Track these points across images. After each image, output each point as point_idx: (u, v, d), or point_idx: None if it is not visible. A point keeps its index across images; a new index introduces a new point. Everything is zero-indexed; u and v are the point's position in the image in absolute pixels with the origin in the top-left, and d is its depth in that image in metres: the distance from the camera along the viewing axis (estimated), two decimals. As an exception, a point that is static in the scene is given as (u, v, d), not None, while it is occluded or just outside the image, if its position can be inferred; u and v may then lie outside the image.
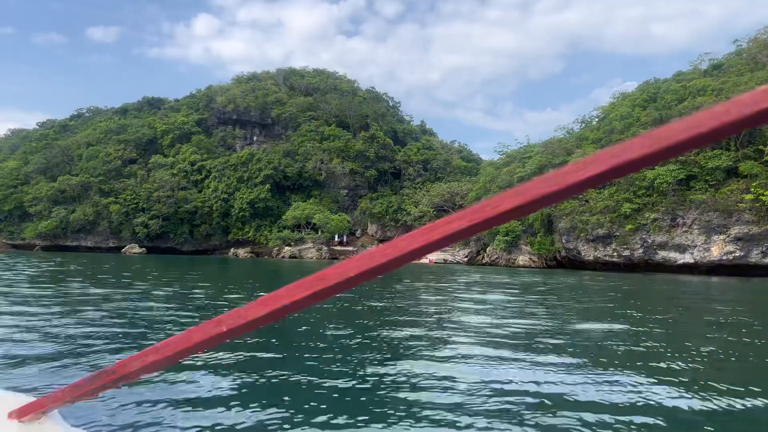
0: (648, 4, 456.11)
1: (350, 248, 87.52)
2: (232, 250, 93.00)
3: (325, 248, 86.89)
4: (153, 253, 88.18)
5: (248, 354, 7.24)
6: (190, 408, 4.87)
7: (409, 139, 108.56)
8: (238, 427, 4.46)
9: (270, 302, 0.75)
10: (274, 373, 6.28)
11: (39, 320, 9.68)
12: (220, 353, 6.95)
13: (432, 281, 28.61)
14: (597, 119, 73.33)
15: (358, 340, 9.06)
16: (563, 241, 61.63)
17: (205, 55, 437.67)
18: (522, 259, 63.83)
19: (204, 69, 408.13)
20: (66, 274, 26.67)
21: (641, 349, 8.78)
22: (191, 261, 58.20)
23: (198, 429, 4.36)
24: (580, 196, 59.61)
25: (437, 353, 7.81)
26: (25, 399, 1.26)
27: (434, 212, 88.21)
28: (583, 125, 75.49)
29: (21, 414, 1.23)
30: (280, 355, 7.57)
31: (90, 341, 7.84)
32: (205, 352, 6.72)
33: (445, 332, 10.09)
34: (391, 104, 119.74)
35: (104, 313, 11.09)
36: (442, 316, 13.02)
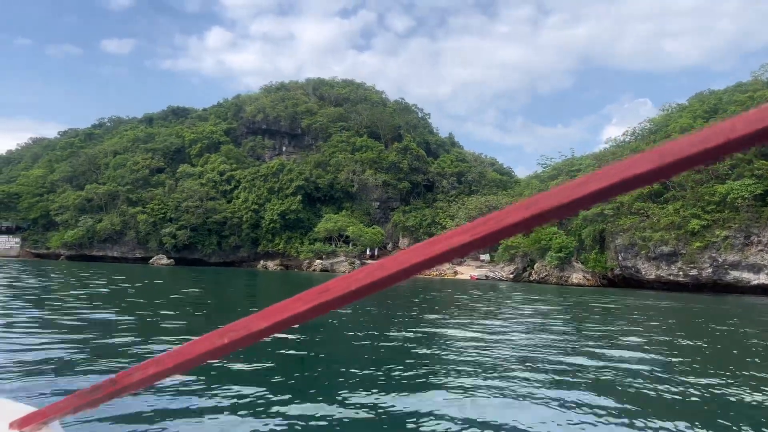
0: (659, 20, 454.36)
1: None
2: (261, 262, 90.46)
3: (357, 262, 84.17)
4: (180, 264, 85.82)
5: (271, 362, 7.64)
6: (191, 419, 4.94)
7: (441, 150, 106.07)
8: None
9: (273, 315, 0.75)
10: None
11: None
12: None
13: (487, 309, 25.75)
14: (648, 131, 70.44)
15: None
16: (619, 258, 58.56)
17: (217, 68, 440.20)
18: (576, 277, 60.71)
19: (216, 81, 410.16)
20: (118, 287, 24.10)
21: None
22: (222, 274, 55.54)
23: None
24: (641, 212, 56.72)
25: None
26: (26, 409, 1.26)
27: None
28: (634, 137, 72.62)
29: (22, 424, 1.23)
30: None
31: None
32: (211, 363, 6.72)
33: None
34: (420, 115, 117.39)
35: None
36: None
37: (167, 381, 5.63)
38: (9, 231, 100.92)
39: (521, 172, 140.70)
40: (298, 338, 10.15)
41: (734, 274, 50.14)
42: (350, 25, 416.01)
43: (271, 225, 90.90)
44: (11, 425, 1.23)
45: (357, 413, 5.36)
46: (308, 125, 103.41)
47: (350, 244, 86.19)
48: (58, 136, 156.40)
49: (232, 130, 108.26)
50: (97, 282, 28.37)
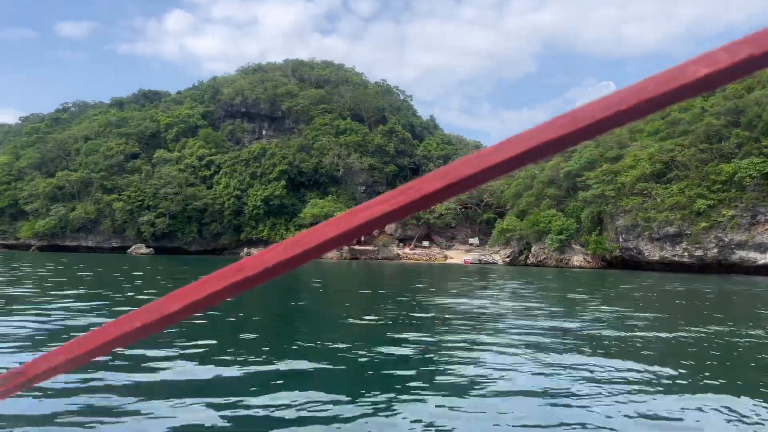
0: (622, 5, 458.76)
1: (370, 247, 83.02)
2: (245, 249, 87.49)
3: (345, 248, 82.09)
4: (160, 253, 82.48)
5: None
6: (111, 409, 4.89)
7: (425, 133, 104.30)
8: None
9: (186, 295, 0.71)
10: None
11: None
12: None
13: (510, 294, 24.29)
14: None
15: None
16: (620, 240, 57.83)
17: (180, 53, 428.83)
18: (576, 259, 59.82)
19: (179, 66, 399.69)
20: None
21: None
22: (206, 263, 52.91)
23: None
24: (644, 192, 55.97)
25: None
26: None
27: (460, 209, 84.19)
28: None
29: None
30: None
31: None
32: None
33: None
34: (402, 97, 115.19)
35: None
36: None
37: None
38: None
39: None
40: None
41: (740, 254, 49.77)
42: (315, 8, 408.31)
43: (255, 211, 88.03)
44: None
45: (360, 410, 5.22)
46: (289, 108, 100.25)
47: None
48: (20, 121, 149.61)
49: (210, 113, 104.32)
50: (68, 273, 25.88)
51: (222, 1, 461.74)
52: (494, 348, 8.33)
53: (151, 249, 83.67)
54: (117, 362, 6.83)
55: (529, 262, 64.72)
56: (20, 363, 0.82)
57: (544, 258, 62.59)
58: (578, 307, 15.60)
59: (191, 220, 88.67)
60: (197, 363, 7.03)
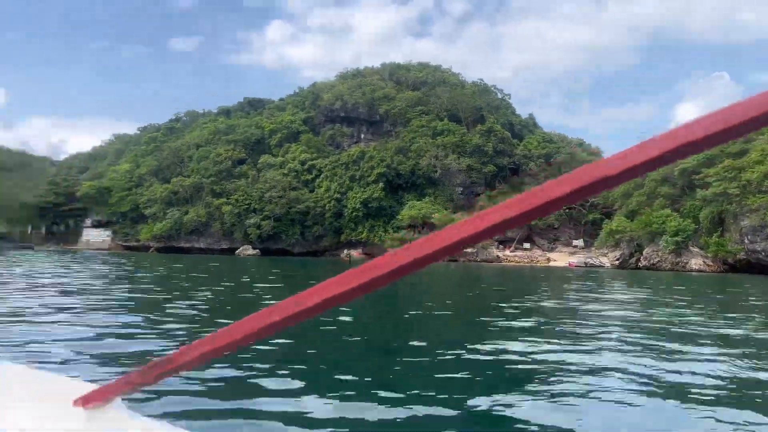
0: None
1: (469, 249, 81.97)
2: (345, 251, 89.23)
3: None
4: (265, 254, 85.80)
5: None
6: (252, 396, 4.99)
7: (525, 132, 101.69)
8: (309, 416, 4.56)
9: (323, 291, 0.75)
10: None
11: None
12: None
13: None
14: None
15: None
16: (745, 241, 53.35)
17: (279, 61, 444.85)
18: (695, 262, 55.84)
19: (277, 74, 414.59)
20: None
21: None
22: (308, 264, 54.09)
23: (261, 416, 4.47)
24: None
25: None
26: (88, 387, 1.32)
27: (564, 209, 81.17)
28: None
29: (85, 401, 1.30)
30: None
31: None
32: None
33: None
34: (500, 96, 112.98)
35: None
36: None
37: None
38: (100, 224, 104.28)
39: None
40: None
41: None
42: (407, 12, 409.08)
43: (354, 213, 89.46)
44: (75, 402, 1.31)
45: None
46: (386, 111, 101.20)
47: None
48: (138, 131, 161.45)
49: (310, 119, 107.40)
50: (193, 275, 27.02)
51: (318, 10, 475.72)
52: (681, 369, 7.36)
53: (258, 250, 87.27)
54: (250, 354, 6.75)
55: (640, 265, 61.22)
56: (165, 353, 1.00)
57: (658, 261, 58.96)
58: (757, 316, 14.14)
59: (294, 223, 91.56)
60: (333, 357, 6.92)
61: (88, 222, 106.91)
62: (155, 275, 26.05)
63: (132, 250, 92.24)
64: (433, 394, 5.41)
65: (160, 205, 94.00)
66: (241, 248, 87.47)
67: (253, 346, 6.67)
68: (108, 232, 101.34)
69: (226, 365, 5.94)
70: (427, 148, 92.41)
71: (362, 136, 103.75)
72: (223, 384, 5.37)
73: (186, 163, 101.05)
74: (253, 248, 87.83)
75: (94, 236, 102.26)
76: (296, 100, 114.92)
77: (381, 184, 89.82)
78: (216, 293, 16.81)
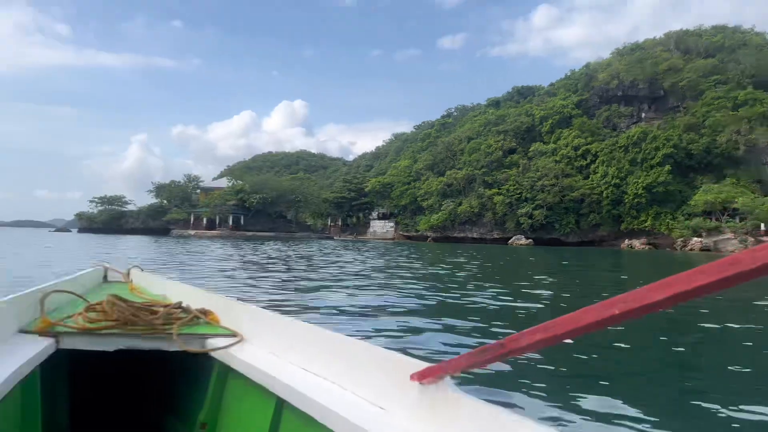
0: None
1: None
2: (625, 241, 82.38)
3: (750, 239, 69.68)
4: (537, 244, 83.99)
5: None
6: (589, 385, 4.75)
7: None
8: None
9: (671, 286, 0.70)
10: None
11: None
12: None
13: None
14: None
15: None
16: None
17: (544, 47, 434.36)
18: None
19: (544, 60, 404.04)
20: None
21: None
22: (585, 253, 50.24)
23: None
24: None
25: None
26: (423, 364, 1.48)
27: None
28: None
29: (421, 377, 1.45)
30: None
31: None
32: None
33: None
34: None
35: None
36: None
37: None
38: (385, 217, 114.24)
39: None
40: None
41: None
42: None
43: (636, 200, 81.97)
44: (411, 377, 1.48)
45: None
46: (672, 85, 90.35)
47: (738, 219, 72.13)
48: (414, 129, 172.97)
49: (583, 101, 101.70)
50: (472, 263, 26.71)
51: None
52: None
53: (530, 240, 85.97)
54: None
55: None
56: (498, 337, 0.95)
57: None
58: None
59: (568, 211, 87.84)
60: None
61: (374, 214, 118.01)
62: (465, 263, 26.92)
63: (412, 240, 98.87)
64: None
65: (436, 197, 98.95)
66: (513, 238, 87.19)
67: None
68: (391, 224, 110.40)
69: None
70: (727, 122, 79.86)
71: (643, 115, 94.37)
72: (541, 384, 4.83)
73: (458, 156, 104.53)
74: (526, 238, 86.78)
75: (379, 227, 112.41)
76: (567, 83, 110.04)
77: (667, 167, 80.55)
78: (537, 283, 16.38)
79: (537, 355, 5.55)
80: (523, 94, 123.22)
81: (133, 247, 37.09)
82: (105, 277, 3.99)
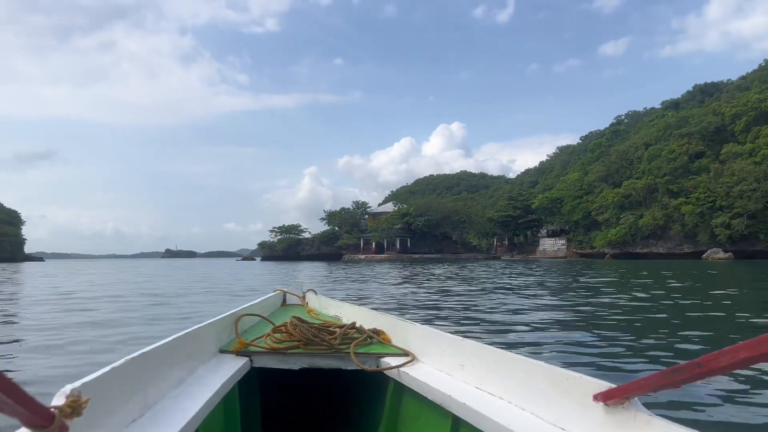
0: None
1: None
2: None
3: None
4: (739, 258, 73.60)
5: None
6: None
7: None
8: None
9: None
10: None
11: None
12: None
13: None
14: None
15: None
16: None
17: (722, 40, 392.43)
18: None
19: (723, 55, 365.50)
20: None
21: None
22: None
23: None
24: None
25: None
26: (607, 385, 1.41)
27: None
28: None
29: (606, 398, 1.37)
30: None
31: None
32: None
33: None
34: None
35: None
36: None
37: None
38: (555, 234, 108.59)
39: None
40: None
41: None
42: None
43: None
44: (595, 398, 1.41)
45: None
46: None
47: None
48: (581, 141, 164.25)
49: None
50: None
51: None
52: None
53: (729, 253, 75.82)
54: None
55: None
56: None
57: None
58: None
59: (776, 219, 76.32)
60: None
61: (543, 232, 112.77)
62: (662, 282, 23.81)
63: (587, 257, 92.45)
64: None
65: (612, 211, 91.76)
66: (708, 251, 77.49)
67: None
68: (562, 241, 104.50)
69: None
70: None
71: None
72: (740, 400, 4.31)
73: (635, 165, 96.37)
74: (724, 251, 76.68)
75: (549, 245, 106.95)
76: (763, 74, 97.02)
77: None
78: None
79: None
80: (706, 92, 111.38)
81: (310, 274, 38.05)
82: (284, 300, 4.30)
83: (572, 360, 6.01)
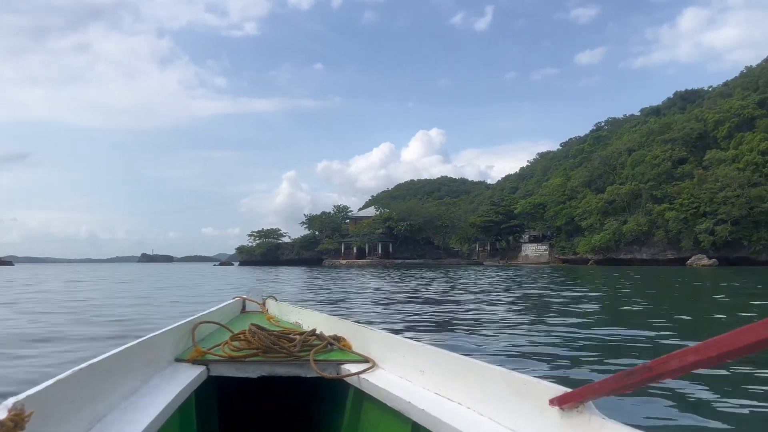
0: None
1: None
2: (840, 258, 69.31)
3: None
4: (723, 264, 73.28)
5: None
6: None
7: None
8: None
9: None
10: None
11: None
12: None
13: None
14: None
15: None
16: None
17: (694, 51, 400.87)
18: None
19: (695, 66, 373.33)
20: None
21: None
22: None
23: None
24: None
25: None
26: (562, 389, 1.43)
27: None
28: None
29: (561, 402, 1.40)
30: None
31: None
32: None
33: None
34: None
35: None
36: None
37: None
38: (537, 239, 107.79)
39: None
40: None
41: None
42: None
43: None
44: (551, 402, 1.43)
45: None
46: None
47: None
48: (561, 147, 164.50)
49: (766, 100, 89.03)
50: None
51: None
52: None
53: (714, 260, 75.46)
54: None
55: None
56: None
57: None
58: None
59: (759, 226, 76.10)
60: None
61: (525, 237, 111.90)
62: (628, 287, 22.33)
63: (570, 263, 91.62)
64: None
65: (596, 216, 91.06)
66: (692, 258, 77.07)
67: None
68: (545, 246, 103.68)
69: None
70: None
71: None
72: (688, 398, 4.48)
73: (619, 170, 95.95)
74: (708, 257, 76.31)
75: (532, 251, 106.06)
76: (745, 81, 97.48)
77: None
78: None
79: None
80: (687, 98, 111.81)
81: (288, 279, 35.96)
82: (244, 307, 4.13)
83: (531, 366, 5.93)
